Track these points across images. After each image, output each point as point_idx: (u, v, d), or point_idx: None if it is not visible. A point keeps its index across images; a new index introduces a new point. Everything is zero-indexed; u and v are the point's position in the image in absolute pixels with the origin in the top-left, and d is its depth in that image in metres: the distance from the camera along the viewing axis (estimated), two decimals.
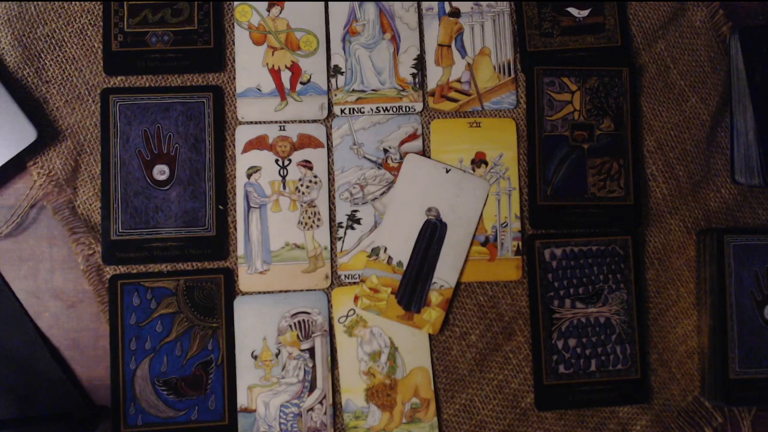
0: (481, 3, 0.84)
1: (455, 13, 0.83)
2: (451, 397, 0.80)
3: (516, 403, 0.80)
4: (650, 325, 0.83)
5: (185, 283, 0.78)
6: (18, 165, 0.79)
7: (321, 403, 0.78)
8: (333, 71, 0.82)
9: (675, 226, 0.84)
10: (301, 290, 0.80)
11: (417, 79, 0.82)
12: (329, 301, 0.80)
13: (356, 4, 0.83)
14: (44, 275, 0.79)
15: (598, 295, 0.80)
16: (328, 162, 0.81)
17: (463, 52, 0.83)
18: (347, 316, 0.79)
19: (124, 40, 0.80)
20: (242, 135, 0.80)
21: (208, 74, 0.82)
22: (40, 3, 0.80)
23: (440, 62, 0.83)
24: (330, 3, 0.83)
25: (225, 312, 0.78)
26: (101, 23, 0.80)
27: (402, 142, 0.81)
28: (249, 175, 0.80)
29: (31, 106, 0.79)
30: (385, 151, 0.81)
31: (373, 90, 0.82)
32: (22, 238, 0.80)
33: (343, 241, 0.80)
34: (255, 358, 0.78)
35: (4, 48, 0.79)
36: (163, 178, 0.79)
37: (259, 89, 0.81)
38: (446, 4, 0.83)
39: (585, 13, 0.83)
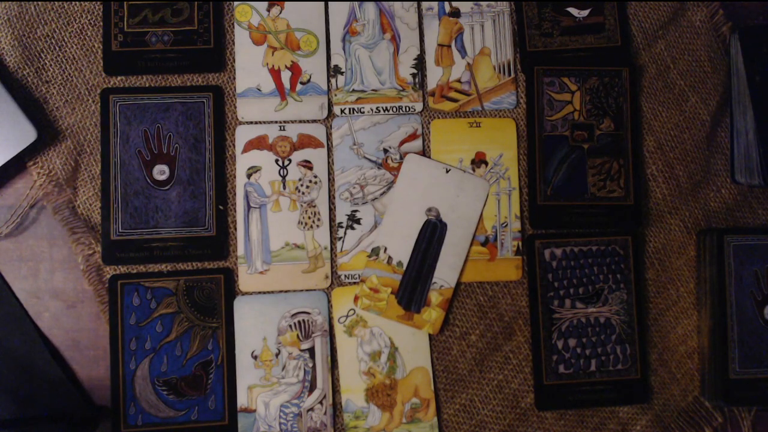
0: (481, 3, 0.84)
1: (455, 13, 0.83)
2: (451, 397, 0.80)
3: (516, 403, 0.80)
4: (650, 325, 0.83)
5: (185, 283, 0.78)
6: (18, 165, 0.79)
7: (321, 403, 0.78)
8: (333, 71, 0.82)
9: (675, 226, 0.84)
10: (301, 290, 0.80)
11: (417, 79, 0.82)
12: (329, 301, 0.80)
13: (356, 4, 0.83)
14: (44, 275, 0.79)
15: (598, 295, 0.80)
16: (328, 162, 0.81)
17: (463, 52, 0.83)
18: (347, 316, 0.79)
19: (124, 40, 0.80)
20: (242, 135, 0.80)
21: (208, 74, 0.82)
22: (40, 3, 0.80)
23: (440, 62, 0.83)
24: (330, 3, 0.83)
25: (225, 312, 0.78)
26: (101, 23, 0.80)
27: (402, 142, 0.81)
28: (249, 175, 0.80)
29: (31, 106, 0.79)
30: (385, 151, 0.81)
31: (373, 90, 0.82)
32: (22, 238, 0.80)
33: (343, 241, 0.80)
34: (255, 358, 0.78)
35: (4, 48, 0.79)
36: (163, 178, 0.79)
37: (259, 89, 0.81)
38: (446, 4, 0.83)
39: (585, 13, 0.83)
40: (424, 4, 0.83)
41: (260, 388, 0.78)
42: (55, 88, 0.80)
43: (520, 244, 0.81)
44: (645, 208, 0.84)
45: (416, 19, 0.83)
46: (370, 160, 0.81)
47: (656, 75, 0.85)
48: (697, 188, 0.85)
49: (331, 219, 0.81)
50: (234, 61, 0.81)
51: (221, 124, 0.80)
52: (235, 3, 0.82)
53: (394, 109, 0.82)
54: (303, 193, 0.80)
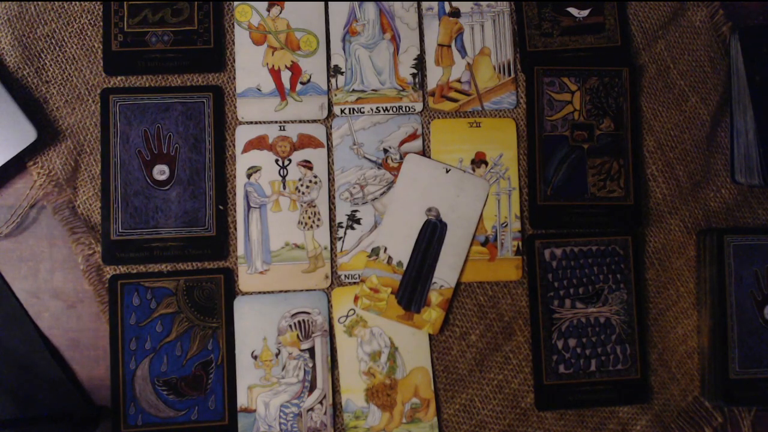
0: (481, 3, 0.84)
1: (455, 13, 0.83)
2: (451, 397, 0.80)
3: (516, 403, 0.80)
4: (650, 325, 0.83)
5: (185, 283, 0.78)
6: (18, 165, 0.79)
7: (321, 403, 0.78)
8: (333, 71, 0.82)
9: (675, 226, 0.84)
10: (301, 290, 0.80)
11: (417, 79, 0.82)
12: (329, 301, 0.80)
13: (356, 4, 0.83)
14: (44, 275, 0.79)
15: (598, 295, 0.80)
16: (328, 162, 0.81)
17: (463, 52, 0.83)
18: (347, 316, 0.79)
19: (124, 40, 0.80)
20: (242, 135, 0.80)
21: (208, 74, 0.82)
22: (40, 3, 0.80)
23: (440, 62, 0.83)
24: (330, 3, 0.83)
25: (225, 312, 0.78)
26: (101, 23, 0.80)
27: (402, 142, 0.81)
28: (249, 175, 0.80)
29: (31, 106, 0.79)
30: (385, 151, 0.81)
31: (373, 90, 0.82)
32: (22, 238, 0.80)
33: (343, 241, 0.80)
34: (255, 358, 0.78)
35: (4, 48, 0.79)
36: (163, 178, 0.79)
37: (259, 89, 0.81)
38: (446, 4, 0.83)
39: (585, 13, 0.83)
40: (424, 4, 0.83)
41: (260, 388, 0.78)
42: (55, 88, 0.80)
43: (520, 244, 0.81)
44: (645, 208, 0.84)
45: (416, 19, 0.83)
46: (370, 160, 0.81)
47: (656, 75, 0.85)
48: (697, 188, 0.85)
49: (331, 219, 0.81)
50: (234, 61, 0.81)
51: (221, 124, 0.80)
52: (235, 3, 0.82)
53: (394, 109, 0.82)
54: (303, 193, 0.80)
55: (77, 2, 0.81)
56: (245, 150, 0.80)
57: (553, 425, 0.81)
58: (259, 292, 0.79)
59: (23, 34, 0.79)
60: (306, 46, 0.82)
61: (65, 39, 0.80)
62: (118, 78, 0.81)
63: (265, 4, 0.82)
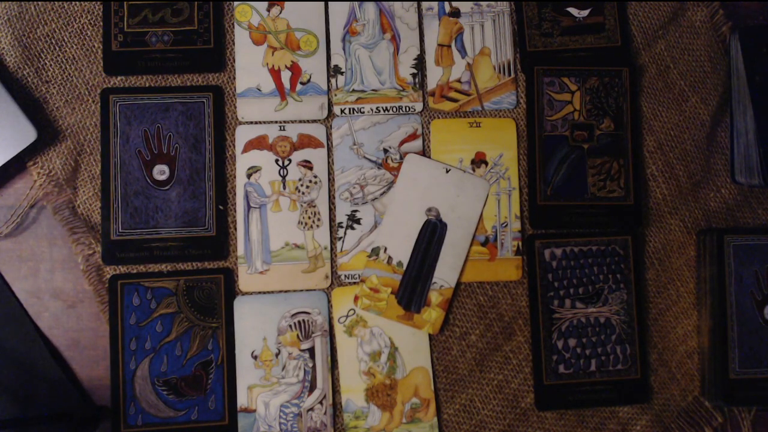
0: (481, 3, 0.84)
1: (455, 13, 0.83)
2: (451, 397, 0.80)
3: (516, 403, 0.80)
4: (650, 325, 0.83)
5: (185, 283, 0.78)
6: (18, 165, 0.79)
7: (321, 403, 0.78)
8: (333, 71, 0.82)
9: (675, 226, 0.84)
10: (301, 290, 0.80)
11: (417, 79, 0.82)
12: (329, 301, 0.80)
13: (356, 4, 0.83)
14: (44, 275, 0.79)
15: (598, 295, 0.80)
16: (328, 162, 0.81)
17: (463, 52, 0.83)
18: (347, 316, 0.79)
19: (124, 40, 0.80)
20: (242, 135, 0.80)
21: (208, 74, 0.82)
22: (40, 3, 0.80)
23: (440, 62, 0.83)
24: (330, 3, 0.83)
25: (225, 312, 0.78)
26: (101, 23, 0.80)
27: (402, 142, 0.81)
28: (249, 175, 0.80)
29: (31, 106, 0.79)
30: (385, 151, 0.81)
31: (373, 90, 0.82)
32: (22, 238, 0.80)
33: (343, 241, 0.80)
34: (255, 358, 0.78)
35: (4, 48, 0.79)
36: (163, 178, 0.79)
37: (259, 89, 0.81)
38: (446, 4, 0.83)
39: (585, 13, 0.83)
40: (424, 4, 0.83)
41: (260, 388, 0.78)
42: (55, 88, 0.80)
43: (520, 244, 0.81)
44: (645, 208, 0.84)
45: (416, 19, 0.83)
46: (370, 160, 0.81)
47: (656, 75, 0.85)
48: (697, 188, 0.85)
49: (331, 219, 0.81)
50: (234, 61, 0.81)
51: (221, 124, 0.80)
52: (235, 3, 0.82)
53: (394, 109, 0.82)
54: (303, 193, 0.80)
55: (77, 2, 0.81)
56: (245, 150, 0.80)
57: (553, 425, 0.81)
58: (259, 292, 0.79)
59: (23, 34, 0.79)
60: (306, 46, 0.82)
61: (65, 39, 0.80)
62: (118, 78, 0.81)
63: (265, 4, 0.82)
